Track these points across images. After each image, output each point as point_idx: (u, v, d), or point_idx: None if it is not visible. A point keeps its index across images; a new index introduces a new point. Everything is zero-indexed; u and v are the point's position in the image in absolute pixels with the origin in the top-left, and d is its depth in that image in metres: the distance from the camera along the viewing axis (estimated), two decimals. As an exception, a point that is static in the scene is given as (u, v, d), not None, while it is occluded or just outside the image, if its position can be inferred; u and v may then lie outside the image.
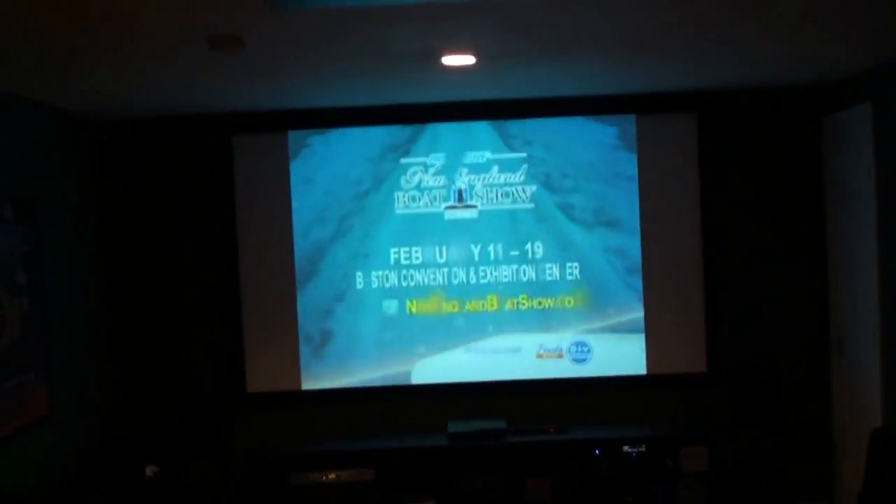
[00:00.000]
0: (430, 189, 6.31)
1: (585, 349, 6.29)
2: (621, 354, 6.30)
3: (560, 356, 6.32)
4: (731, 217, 6.29)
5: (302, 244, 6.36)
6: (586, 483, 5.94)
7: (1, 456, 4.74)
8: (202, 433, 6.19)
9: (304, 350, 6.37)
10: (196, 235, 6.43)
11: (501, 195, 6.29)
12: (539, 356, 6.33)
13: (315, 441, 6.30)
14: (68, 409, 5.50)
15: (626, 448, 5.95)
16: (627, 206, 6.28)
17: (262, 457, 6.10)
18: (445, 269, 6.32)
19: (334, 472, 6.00)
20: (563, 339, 6.32)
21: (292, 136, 6.35)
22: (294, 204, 6.35)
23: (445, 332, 6.35)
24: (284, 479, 6.00)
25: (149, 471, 5.73)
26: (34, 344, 5.13)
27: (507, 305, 6.30)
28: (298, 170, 6.34)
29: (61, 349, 5.48)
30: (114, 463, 5.62)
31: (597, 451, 5.95)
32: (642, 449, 5.95)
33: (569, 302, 6.29)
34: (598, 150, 6.29)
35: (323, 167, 6.34)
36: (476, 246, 6.31)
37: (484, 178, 6.29)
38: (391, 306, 6.35)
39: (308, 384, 6.38)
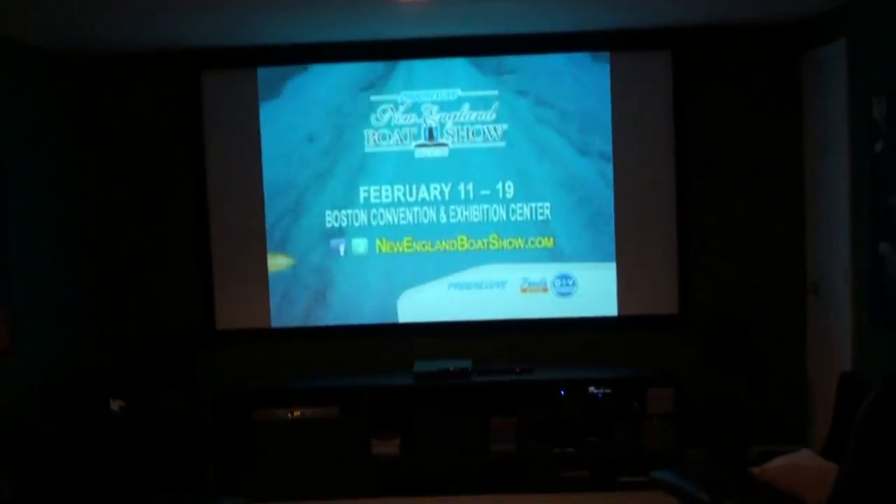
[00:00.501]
0: (401, 127, 6.22)
1: (570, 282, 6.23)
2: (606, 290, 6.23)
3: (545, 290, 6.27)
4: (706, 157, 6.18)
5: (272, 182, 6.30)
6: (551, 423, 5.92)
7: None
8: (169, 368, 6.19)
9: (274, 288, 6.35)
10: (166, 171, 6.39)
11: (472, 133, 6.19)
12: (523, 290, 6.28)
13: (283, 379, 6.30)
14: (31, 342, 5.50)
15: (591, 389, 5.92)
16: (600, 145, 6.17)
17: (228, 393, 6.10)
18: (416, 209, 6.26)
19: (299, 410, 5.99)
20: (545, 273, 6.26)
21: (263, 72, 6.27)
22: (264, 141, 6.28)
23: (416, 271, 6.30)
24: (249, 415, 6.01)
25: (115, 404, 5.75)
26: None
27: (478, 246, 6.24)
28: (268, 107, 6.26)
29: (25, 283, 5.47)
30: (79, 397, 5.62)
31: (562, 392, 5.92)
32: (608, 390, 5.91)
33: (539, 242, 6.22)
34: (571, 88, 6.17)
35: (294, 104, 6.26)
36: (446, 185, 6.24)
37: (455, 116, 6.19)
38: (360, 245, 6.30)
39: (277, 322, 6.37)
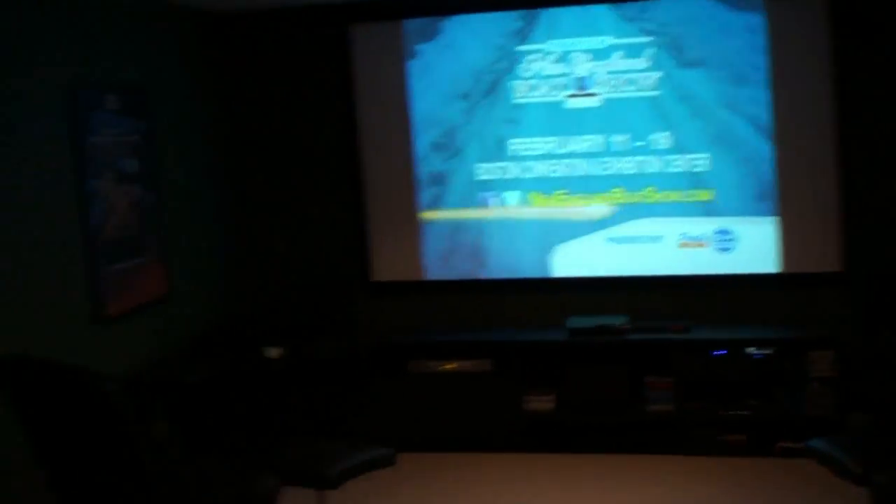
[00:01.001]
0: (550, 77, 6.05)
1: (729, 237, 5.97)
2: (766, 246, 5.91)
3: (703, 245, 6.02)
4: (869, 108, 5.71)
5: (421, 135, 6.28)
6: (708, 383, 5.73)
7: (119, 332, 5.03)
8: (327, 318, 6.35)
9: (427, 241, 6.37)
10: (317, 124, 6.48)
11: (624, 82, 5.95)
12: (681, 245, 6.06)
13: (435, 332, 6.35)
14: (186, 290, 5.76)
15: (749, 350, 5.67)
16: (756, 96, 5.80)
17: (383, 344, 6.21)
18: (568, 161, 6.10)
19: (452, 363, 6.04)
20: (704, 227, 6.01)
21: (409, 24, 6.23)
22: (412, 94, 6.26)
23: (571, 225, 6.16)
24: (404, 366, 6.10)
25: (272, 352, 5.94)
26: (149, 229, 5.37)
27: (634, 199, 6.04)
28: (415, 59, 6.23)
29: (179, 233, 5.71)
30: (235, 343, 5.84)
31: (717, 352, 5.69)
32: (767, 351, 5.65)
33: (697, 195, 5.95)
34: (726, 36, 5.79)
35: (440, 56, 6.19)
36: (599, 136, 6.05)
37: (606, 65, 5.97)
38: (513, 198, 6.21)
39: (430, 275, 6.40)
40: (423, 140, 6.30)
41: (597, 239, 6.15)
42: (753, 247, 5.93)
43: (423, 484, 5.52)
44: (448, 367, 6.04)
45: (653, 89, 5.92)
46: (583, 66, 6.00)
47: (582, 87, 6.00)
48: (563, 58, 6.02)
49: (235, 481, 4.09)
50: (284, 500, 4.36)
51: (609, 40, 5.95)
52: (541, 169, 6.15)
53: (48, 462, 3.71)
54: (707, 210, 5.96)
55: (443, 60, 6.20)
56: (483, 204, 6.27)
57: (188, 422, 5.49)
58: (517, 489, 5.35)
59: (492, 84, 6.14)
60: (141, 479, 3.54)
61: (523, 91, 6.10)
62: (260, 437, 5.79)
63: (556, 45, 6.02)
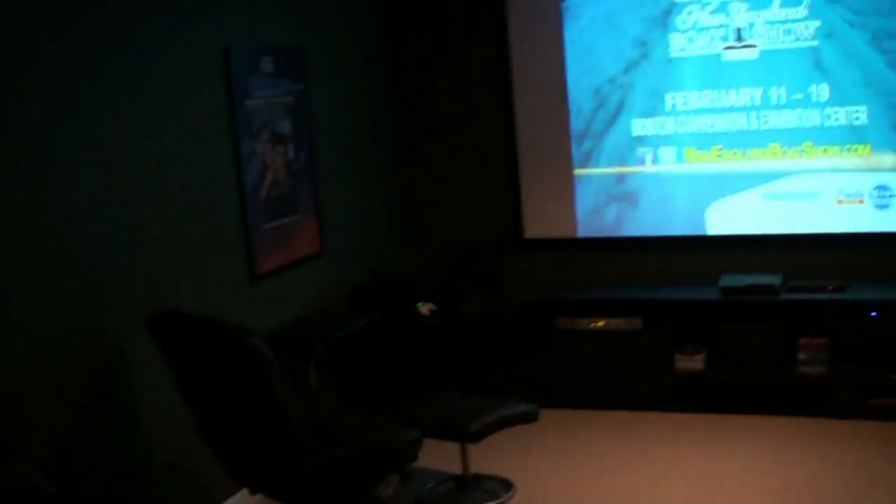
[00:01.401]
0: (707, 29, 5.90)
1: (888, 194, 5.73)
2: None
3: (861, 202, 5.81)
4: None
5: (576, 89, 6.24)
6: (863, 346, 5.54)
7: (273, 288, 5.24)
8: (477, 275, 6.43)
9: (581, 198, 6.35)
10: (470, 77, 6.52)
11: (783, 33, 5.75)
12: (839, 202, 5.86)
13: (587, 289, 6.34)
14: (339, 247, 5.91)
15: (908, 312, 5.46)
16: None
17: (532, 301, 6.26)
18: (725, 115, 5.95)
19: (602, 320, 6.03)
20: (862, 183, 5.79)
21: (567, -23, 6.19)
22: (566, 46, 6.21)
23: (726, 181, 6.03)
24: (552, 323, 6.13)
25: (424, 308, 6.07)
26: (302, 187, 5.54)
27: (791, 154, 5.86)
28: (570, 9, 6.18)
29: (333, 192, 5.86)
30: (387, 298, 5.98)
31: (875, 314, 5.50)
32: (926, 315, 5.43)
33: (855, 150, 5.72)
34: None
35: (596, 7, 6.13)
36: (757, 89, 5.87)
37: (764, 15, 5.77)
38: (668, 154, 6.12)
39: (583, 232, 6.39)
40: (578, 96, 6.26)
41: (752, 196, 6.00)
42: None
43: (565, 440, 5.56)
44: (597, 324, 6.04)
45: (811, 39, 5.70)
46: (741, 17, 5.83)
47: (740, 38, 5.84)
48: (721, 8, 5.87)
49: (379, 432, 4.25)
50: (428, 453, 4.50)
51: (768, -12, 5.78)
52: (697, 124, 6.02)
53: (198, 410, 3.94)
54: (866, 165, 5.73)
55: (597, 10, 6.12)
56: (638, 160, 6.20)
57: (337, 375, 5.70)
58: (662, 448, 5.34)
59: (648, 36, 6.04)
60: (287, 431, 3.72)
61: (681, 44, 5.98)
62: (408, 391, 5.95)
63: (714, -5, 5.89)
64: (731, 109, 5.93)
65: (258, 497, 4.64)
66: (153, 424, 4.25)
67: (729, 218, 6.07)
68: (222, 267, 4.82)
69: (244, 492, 4.61)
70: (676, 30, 5.96)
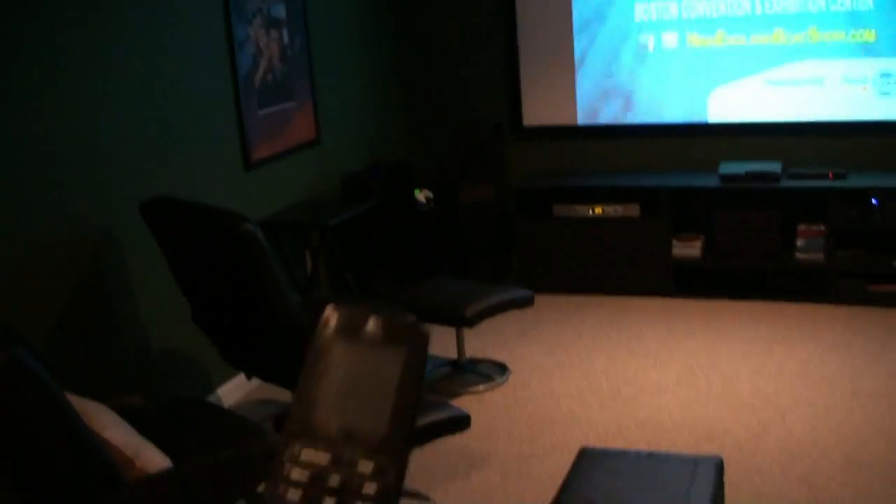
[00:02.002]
0: None
1: (892, 80, 5.65)
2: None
3: (864, 88, 5.72)
4: None
5: (577, -28, 6.13)
6: (861, 233, 5.54)
7: (268, 175, 5.21)
8: (476, 163, 6.39)
9: (580, 85, 6.26)
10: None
11: (789, -87, 5.62)
12: (841, 88, 5.76)
13: (585, 176, 6.31)
14: (336, 134, 5.87)
15: (907, 199, 5.44)
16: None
17: (530, 187, 6.23)
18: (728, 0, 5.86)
19: (600, 207, 6.01)
20: (865, 70, 5.69)
21: None
22: (568, -70, 6.09)
23: (728, 67, 5.94)
24: (550, 210, 6.11)
25: (422, 195, 6.06)
26: (298, 73, 5.47)
27: (795, 39, 5.75)
28: None
29: (329, 78, 5.78)
30: (384, 185, 5.96)
31: (874, 201, 5.47)
32: (925, 201, 5.40)
33: (860, 36, 5.61)
34: None
35: None
36: (760, -29, 5.75)
37: None
38: (671, 39, 6.01)
39: (582, 119, 6.32)
40: (576, -21, 6.14)
41: (754, 82, 5.92)
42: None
43: (560, 325, 5.60)
44: (596, 211, 6.02)
45: (818, -80, 5.57)
46: None
47: (743, -81, 5.70)
48: None
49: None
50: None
51: None
52: (700, 9, 5.91)
53: (193, 298, 3.95)
54: (869, 51, 5.64)
55: None
56: (639, 45, 6.11)
57: (332, 263, 5.71)
58: (657, 333, 5.38)
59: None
60: (282, 316, 3.74)
61: (681, -75, 5.85)
62: (403, 278, 5.97)
63: None
64: (735, -8, 5.83)
65: (255, 382, 4.70)
66: (149, 312, 4.27)
67: (730, 105, 6.00)
68: (216, 154, 4.78)
69: (240, 377, 4.66)
70: None
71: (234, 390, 4.82)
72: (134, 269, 4.19)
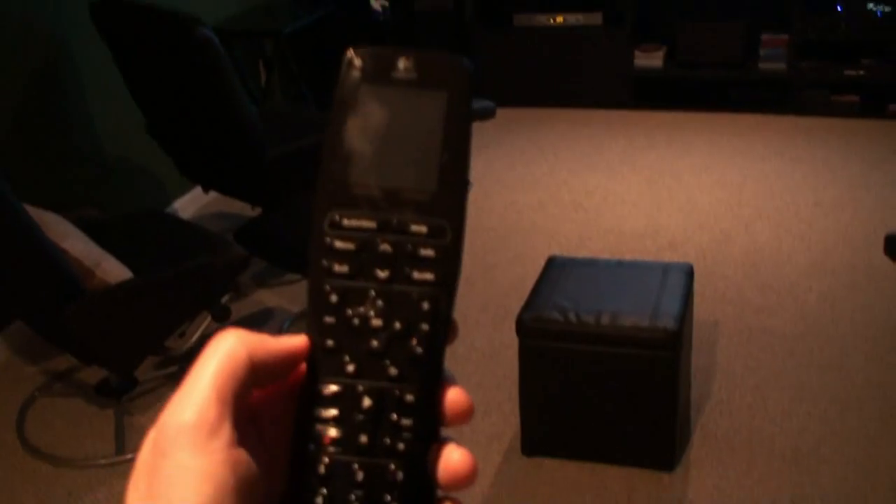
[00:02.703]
0: None
1: None
2: None
3: None
4: None
5: None
6: (825, 42, 5.45)
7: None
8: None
9: None
10: None
11: None
12: None
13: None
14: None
15: (870, 6, 5.32)
16: None
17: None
18: None
19: (561, 16, 5.84)
20: None
21: None
22: None
23: None
24: (510, 19, 5.94)
25: (377, 3, 5.84)
26: None
27: None
28: None
29: None
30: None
31: (839, 7, 5.36)
32: (888, 9, 5.29)
33: None
34: None
35: None
36: None
37: None
38: None
39: (543, -78, 6.09)
40: None
41: None
42: None
43: (522, 138, 5.52)
44: (557, 20, 5.85)
45: None
46: None
47: None
48: None
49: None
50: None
51: None
52: None
53: (148, 108, 3.79)
54: None
55: None
56: None
57: (287, 72, 5.53)
58: (620, 145, 5.32)
59: None
60: (240, 125, 3.61)
61: None
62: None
63: None
64: None
65: (212, 195, 4.59)
66: (103, 123, 4.12)
67: None
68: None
69: (197, 190, 4.55)
70: None
71: (191, 203, 4.72)
72: (87, 78, 4.01)
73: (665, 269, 2.98)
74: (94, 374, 3.27)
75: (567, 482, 2.71)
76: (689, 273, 2.94)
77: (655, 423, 2.74)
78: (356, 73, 0.50)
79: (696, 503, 2.59)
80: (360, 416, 0.49)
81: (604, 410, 2.77)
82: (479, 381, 3.18)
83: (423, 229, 0.49)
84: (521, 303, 2.80)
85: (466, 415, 0.50)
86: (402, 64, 0.50)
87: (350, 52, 0.51)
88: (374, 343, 0.49)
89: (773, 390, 3.05)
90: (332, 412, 0.49)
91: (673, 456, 2.76)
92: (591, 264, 3.14)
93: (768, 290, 3.66)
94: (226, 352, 0.47)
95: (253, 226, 3.81)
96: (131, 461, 2.89)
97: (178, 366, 3.34)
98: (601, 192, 4.72)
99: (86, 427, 3.11)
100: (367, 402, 0.49)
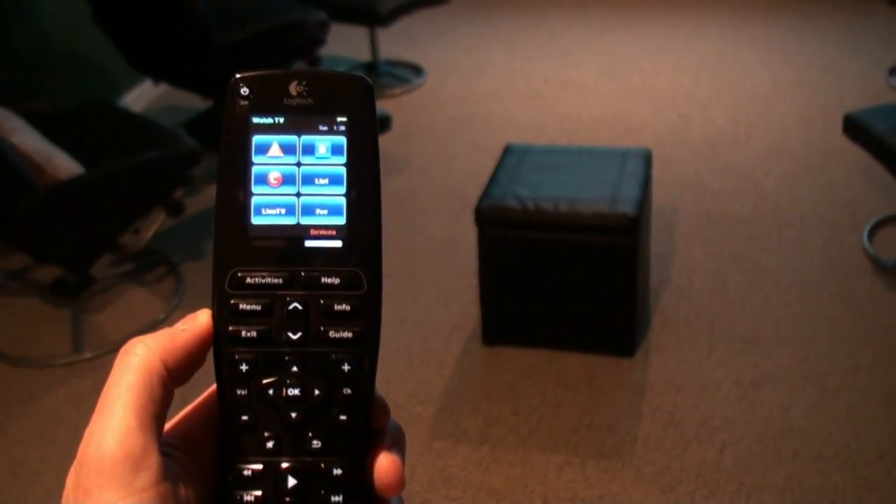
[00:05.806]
0: None
1: None
2: None
3: None
4: None
5: None
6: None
7: None
8: None
9: None
10: None
11: None
12: None
13: None
14: None
15: None
16: None
17: None
18: None
19: None
20: None
21: None
22: None
23: None
24: None
25: None
26: None
27: None
28: None
29: None
30: None
31: None
32: None
33: None
34: None
35: None
36: None
37: None
38: None
39: None
40: None
41: None
42: None
43: (477, 26, 5.42)
44: None
45: None
46: None
47: None
48: None
49: (287, 13, 4.04)
50: (337, 39, 4.33)
51: None
52: None
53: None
54: None
55: None
56: None
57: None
58: (576, 32, 5.25)
59: None
60: (190, 12, 3.51)
61: None
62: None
63: None
64: None
65: (162, 87, 4.48)
66: (49, 11, 3.98)
67: None
68: None
69: (147, 83, 4.44)
70: None
71: (142, 97, 4.61)
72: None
73: (623, 154, 2.96)
74: (49, 273, 3.23)
75: (528, 370, 2.73)
76: (648, 158, 2.92)
77: (615, 310, 2.75)
78: (243, 104, 0.45)
79: (657, 387, 2.62)
80: (287, 498, 0.45)
81: (563, 298, 2.78)
82: (439, 273, 3.17)
83: (335, 280, 0.44)
84: (480, 192, 2.77)
85: (396, 489, 0.46)
86: (294, 88, 0.45)
87: (233, 80, 0.46)
88: (293, 415, 0.45)
89: (732, 274, 3.07)
90: (256, 493, 0.45)
91: (633, 341, 2.78)
92: (548, 152, 3.11)
93: (727, 174, 3.66)
94: (138, 367, 0.43)
95: (205, 118, 3.73)
96: (89, 360, 2.88)
97: (135, 264, 3.30)
98: (558, 80, 4.67)
99: (42, 326, 3.08)
100: (291, 481, 0.45)
